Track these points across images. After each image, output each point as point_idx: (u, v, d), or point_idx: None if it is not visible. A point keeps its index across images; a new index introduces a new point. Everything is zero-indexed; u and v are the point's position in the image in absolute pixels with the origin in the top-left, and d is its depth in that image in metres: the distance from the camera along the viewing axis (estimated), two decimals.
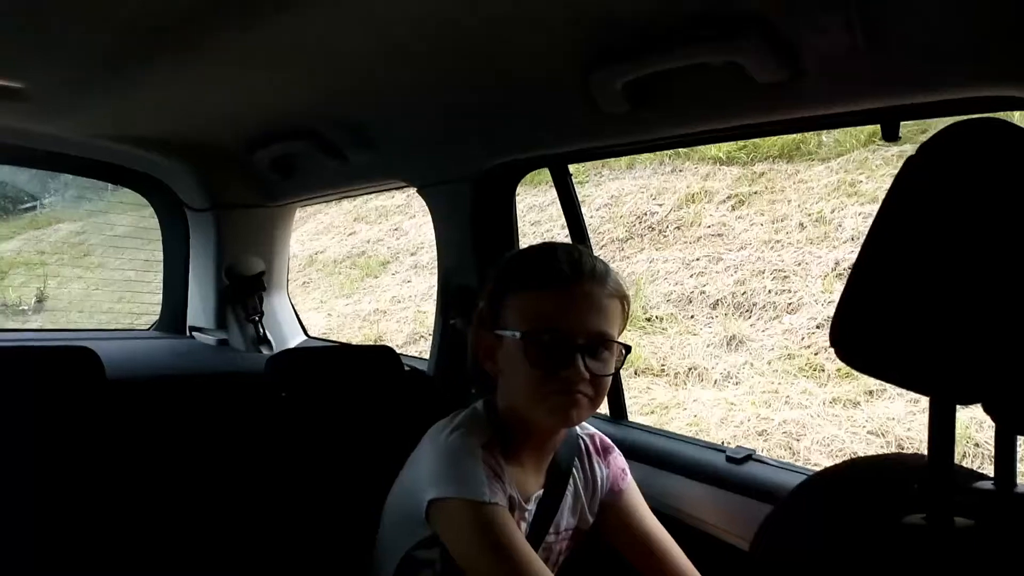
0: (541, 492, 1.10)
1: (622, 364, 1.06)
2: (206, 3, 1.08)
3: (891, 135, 1.10)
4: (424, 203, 1.86)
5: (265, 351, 2.28)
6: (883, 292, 0.65)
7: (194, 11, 1.11)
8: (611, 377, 1.03)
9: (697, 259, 4.90)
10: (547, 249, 1.07)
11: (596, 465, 1.18)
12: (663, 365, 4.42)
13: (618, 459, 1.22)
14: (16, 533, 1.21)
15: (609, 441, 1.24)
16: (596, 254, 1.11)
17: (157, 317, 2.50)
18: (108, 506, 1.30)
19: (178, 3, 1.09)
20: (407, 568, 1.08)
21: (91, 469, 1.30)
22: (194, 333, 2.39)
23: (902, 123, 1.07)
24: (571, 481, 1.14)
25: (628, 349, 1.05)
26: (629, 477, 1.21)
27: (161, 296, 2.48)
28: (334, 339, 3.21)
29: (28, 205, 10.40)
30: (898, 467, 0.77)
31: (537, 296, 1.01)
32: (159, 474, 1.43)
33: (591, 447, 1.19)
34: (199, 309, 2.37)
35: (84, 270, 8.81)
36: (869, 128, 4.83)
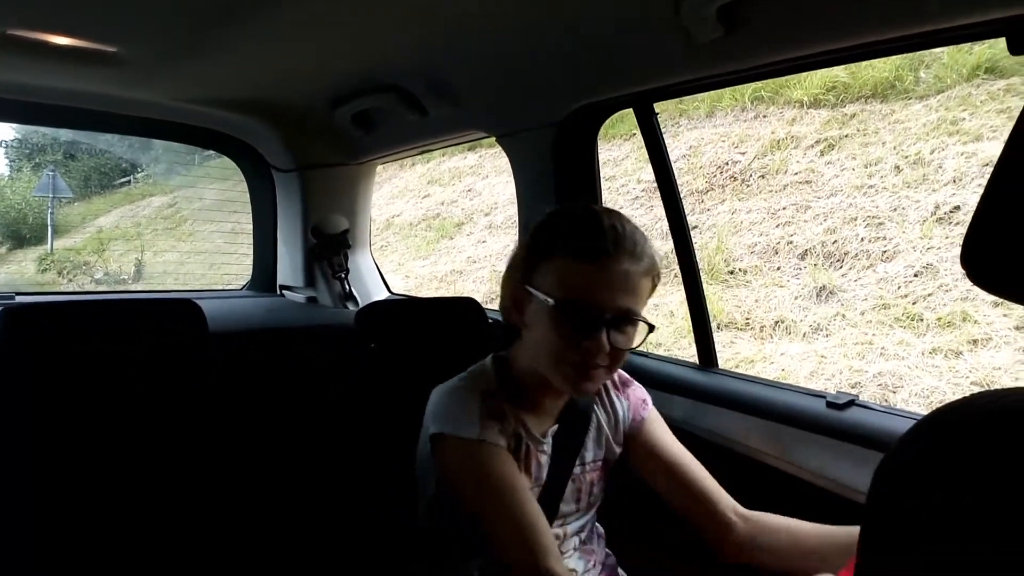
0: (556, 427, 1.15)
1: (644, 340, 1.07)
2: None
3: (1018, 47, 1.00)
4: (496, 163, 1.84)
5: (351, 307, 2.34)
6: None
7: None
8: (629, 351, 1.06)
9: (783, 208, 4.70)
10: (591, 217, 1.06)
11: (616, 399, 1.24)
12: (748, 319, 4.29)
13: (637, 391, 1.26)
14: (127, 469, 1.30)
15: (627, 375, 1.28)
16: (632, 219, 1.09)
17: (249, 278, 2.60)
18: (208, 450, 1.37)
19: None
20: (439, 507, 1.15)
21: (196, 414, 1.37)
22: (284, 291, 2.47)
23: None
24: (593, 417, 1.20)
25: (652, 328, 1.06)
26: (650, 407, 1.25)
27: (249, 263, 2.58)
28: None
29: (123, 180, 11.00)
30: None
31: (575, 265, 1.02)
32: (259, 417, 1.50)
33: (609, 383, 1.24)
34: (288, 268, 2.45)
35: (177, 240, 9.28)
36: (972, 61, 4.50)
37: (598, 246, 1.01)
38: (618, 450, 1.23)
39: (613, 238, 1.01)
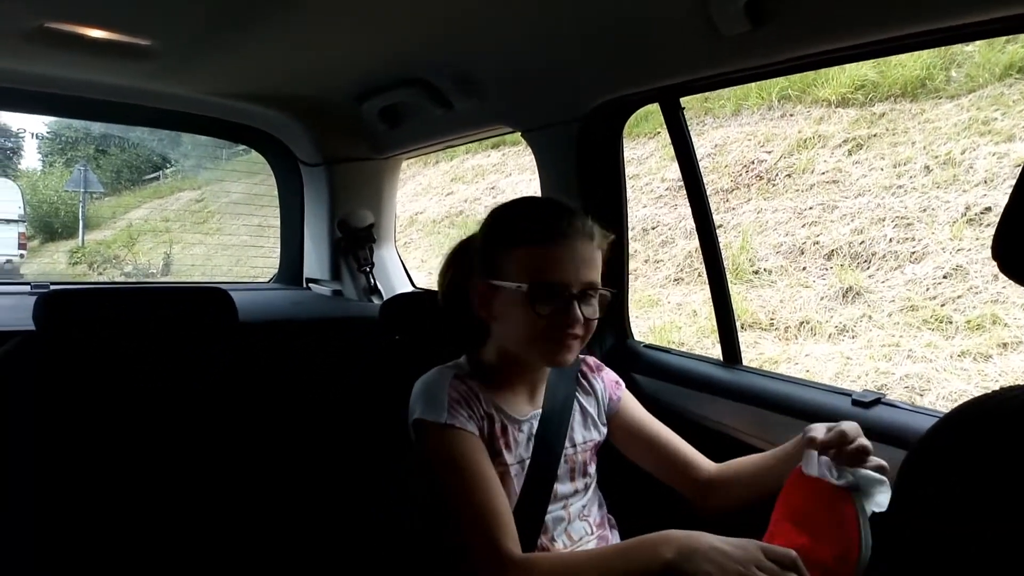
0: (539, 412, 1.21)
1: (607, 307, 1.17)
2: None
3: None
4: (519, 161, 1.85)
5: (376, 300, 2.36)
6: None
7: None
8: (598, 319, 1.15)
9: (810, 208, 4.65)
10: (540, 204, 1.19)
11: (594, 380, 1.33)
12: (772, 319, 4.25)
13: (609, 373, 1.36)
14: (154, 455, 1.32)
15: (599, 360, 1.38)
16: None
17: (276, 271, 2.64)
18: (232, 438, 1.40)
19: None
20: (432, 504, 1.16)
21: (223, 402, 1.40)
22: (310, 284, 2.50)
23: None
24: (576, 402, 1.28)
25: (613, 294, 1.18)
26: (623, 386, 1.35)
27: (275, 257, 2.62)
28: None
29: (152, 175, 11.18)
30: None
31: (538, 250, 1.10)
32: (284, 406, 1.52)
33: (586, 368, 1.34)
34: (314, 261, 2.48)
35: (204, 235, 9.40)
36: (1005, 60, 4.41)
37: (556, 230, 1.10)
38: (604, 430, 1.31)
39: (568, 222, 1.11)
